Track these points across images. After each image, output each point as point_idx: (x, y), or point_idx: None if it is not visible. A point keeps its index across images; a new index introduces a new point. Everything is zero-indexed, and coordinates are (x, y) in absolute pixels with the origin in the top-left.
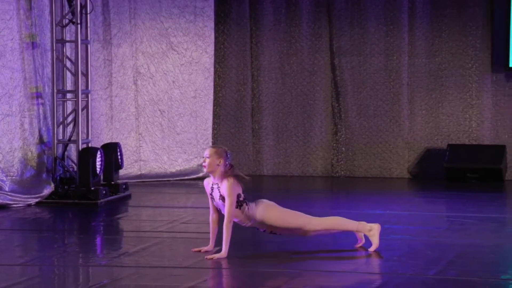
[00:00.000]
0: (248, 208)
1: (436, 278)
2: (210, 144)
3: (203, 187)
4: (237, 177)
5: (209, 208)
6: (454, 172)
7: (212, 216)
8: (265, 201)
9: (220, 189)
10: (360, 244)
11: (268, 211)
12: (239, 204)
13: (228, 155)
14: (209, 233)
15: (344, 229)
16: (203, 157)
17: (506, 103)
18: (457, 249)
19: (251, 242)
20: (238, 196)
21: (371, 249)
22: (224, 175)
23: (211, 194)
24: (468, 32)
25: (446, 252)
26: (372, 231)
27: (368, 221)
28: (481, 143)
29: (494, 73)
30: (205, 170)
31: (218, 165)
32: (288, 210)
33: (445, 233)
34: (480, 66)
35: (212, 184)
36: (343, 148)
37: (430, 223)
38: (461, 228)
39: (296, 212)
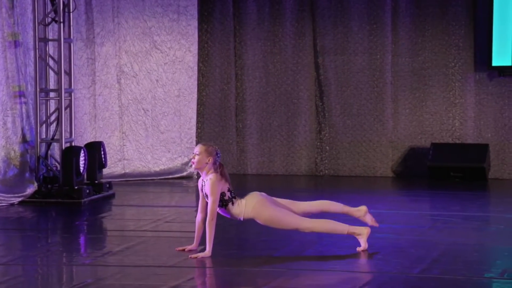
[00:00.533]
0: (235, 206)
1: (420, 276)
2: (194, 143)
3: (187, 186)
4: (223, 175)
5: (197, 207)
6: (437, 171)
7: (199, 216)
8: (255, 196)
9: (205, 187)
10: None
11: (259, 212)
12: (224, 204)
13: (218, 154)
14: (193, 232)
15: (335, 233)
16: (193, 153)
17: (489, 102)
18: (441, 248)
19: (236, 241)
20: (223, 194)
21: (359, 249)
22: (209, 173)
23: (202, 191)
24: (451, 31)
25: (430, 250)
26: (361, 235)
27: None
28: (464, 142)
29: (477, 72)
30: (192, 166)
31: (206, 163)
32: (280, 210)
33: (429, 231)
34: (463, 65)
35: (202, 181)
36: (327, 147)
37: (414, 221)
38: (445, 226)
39: (288, 213)
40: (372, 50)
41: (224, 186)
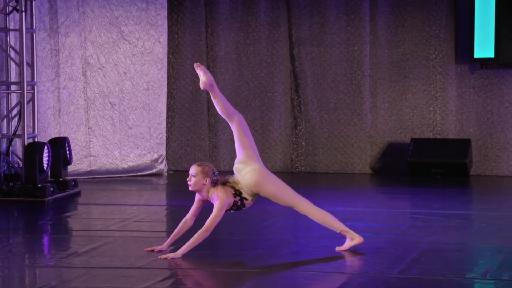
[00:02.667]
0: (248, 200)
1: (400, 277)
2: (164, 138)
3: (156, 184)
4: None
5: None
6: (417, 167)
7: (186, 221)
8: (249, 175)
9: (214, 203)
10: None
11: (261, 188)
12: (240, 207)
13: (215, 173)
14: (163, 231)
15: (329, 227)
16: (189, 174)
17: (471, 95)
18: (421, 247)
19: (208, 241)
20: (235, 203)
21: (338, 248)
22: (210, 192)
23: (202, 202)
24: (431, 22)
25: (409, 250)
26: (352, 239)
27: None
28: (446, 137)
29: (458, 64)
30: (189, 188)
31: (204, 184)
32: (281, 184)
33: (409, 230)
34: (444, 57)
35: (209, 200)
36: (303, 143)
37: (393, 220)
38: (425, 225)
39: (289, 189)
40: (349, 41)
41: (231, 197)
